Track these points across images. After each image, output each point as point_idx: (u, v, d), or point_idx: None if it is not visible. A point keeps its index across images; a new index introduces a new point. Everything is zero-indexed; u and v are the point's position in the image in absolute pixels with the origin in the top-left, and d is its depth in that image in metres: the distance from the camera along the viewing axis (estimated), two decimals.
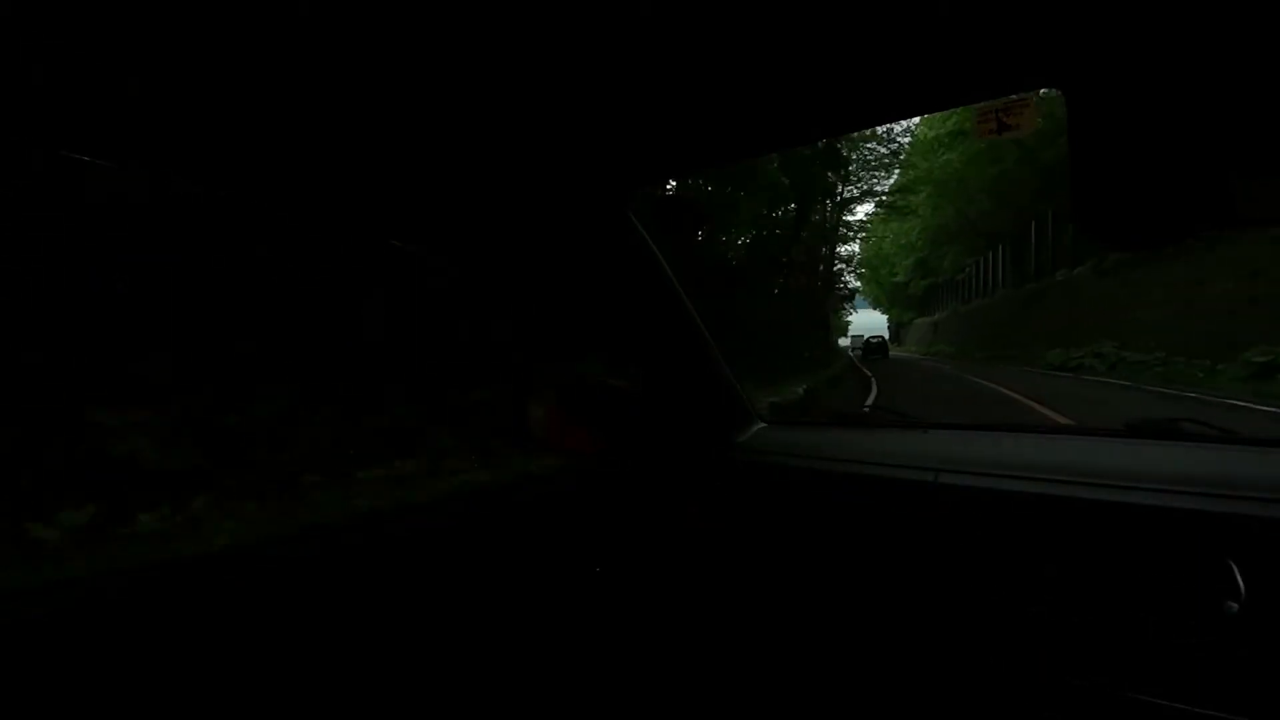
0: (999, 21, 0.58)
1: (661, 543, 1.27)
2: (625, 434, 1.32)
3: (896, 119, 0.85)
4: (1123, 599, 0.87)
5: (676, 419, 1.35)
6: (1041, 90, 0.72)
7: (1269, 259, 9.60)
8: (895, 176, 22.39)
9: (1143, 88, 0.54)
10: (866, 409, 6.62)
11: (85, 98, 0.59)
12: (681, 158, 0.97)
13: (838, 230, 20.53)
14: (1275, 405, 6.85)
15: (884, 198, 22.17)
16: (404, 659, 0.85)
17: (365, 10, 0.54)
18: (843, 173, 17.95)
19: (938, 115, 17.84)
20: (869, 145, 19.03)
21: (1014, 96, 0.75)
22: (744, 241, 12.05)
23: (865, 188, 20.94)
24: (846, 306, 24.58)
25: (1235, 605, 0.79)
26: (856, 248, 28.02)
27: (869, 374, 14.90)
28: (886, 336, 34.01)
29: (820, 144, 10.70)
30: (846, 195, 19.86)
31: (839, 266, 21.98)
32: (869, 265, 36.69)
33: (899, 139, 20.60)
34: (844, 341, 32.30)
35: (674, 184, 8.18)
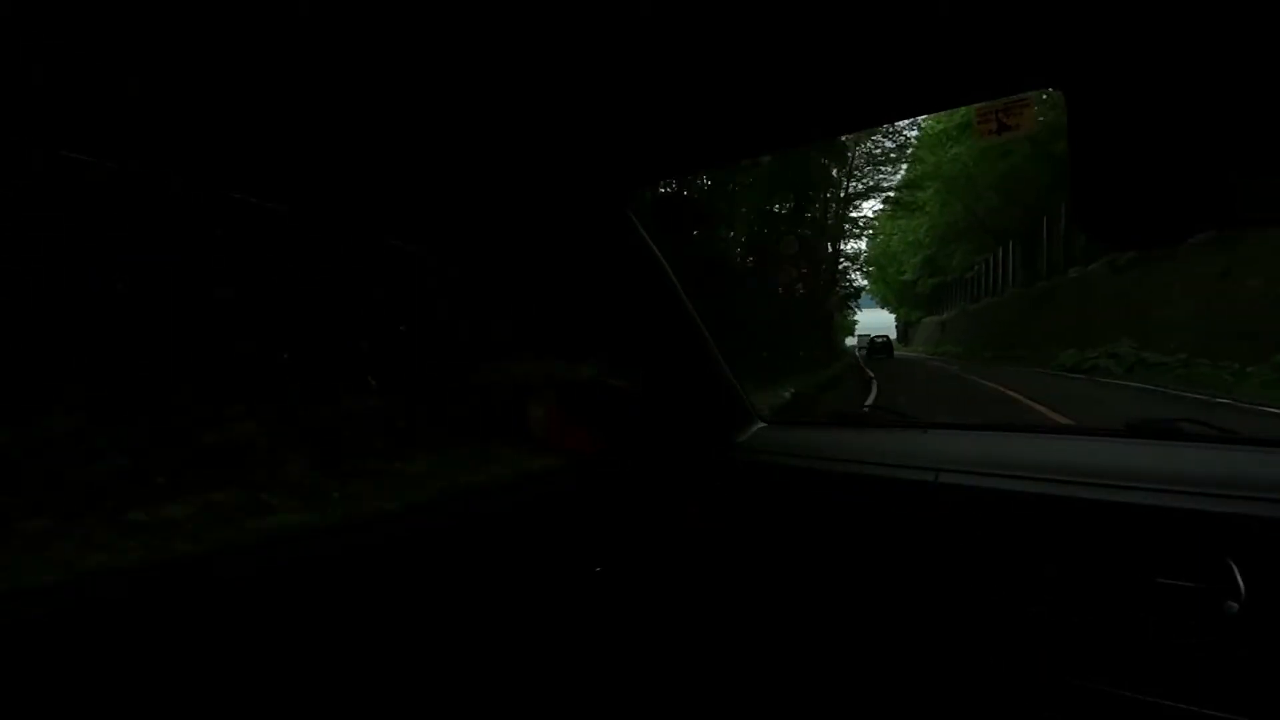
0: (999, 21, 0.58)
1: (661, 542, 1.27)
2: (625, 434, 1.32)
3: (896, 119, 0.85)
4: (1123, 599, 0.87)
5: (676, 419, 1.35)
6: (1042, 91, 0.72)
7: None
8: (903, 171, 22.14)
9: (1143, 88, 0.53)
10: (866, 409, 6.58)
11: (85, 98, 0.60)
12: (681, 158, 0.97)
13: (842, 226, 20.10)
14: None
15: (891, 194, 21.89)
16: (404, 659, 0.85)
17: (365, 10, 0.54)
18: (847, 168, 17.77)
19: None
20: (874, 139, 18.70)
21: (1014, 96, 0.74)
22: (732, 235, 11.63)
23: (871, 183, 20.56)
24: (852, 305, 24.32)
25: (1235, 605, 0.79)
26: (864, 245, 27.82)
27: (870, 375, 14.69)
28: (894, 336, 33.84)
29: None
30: (851, 191, 19.54)
31: (844, 264, 21.53)
32: (876, 263, 36.39)
33: (905, 133, 20.19)
34: (851, 341, 32.17)
35: (673, 184, 8.08)
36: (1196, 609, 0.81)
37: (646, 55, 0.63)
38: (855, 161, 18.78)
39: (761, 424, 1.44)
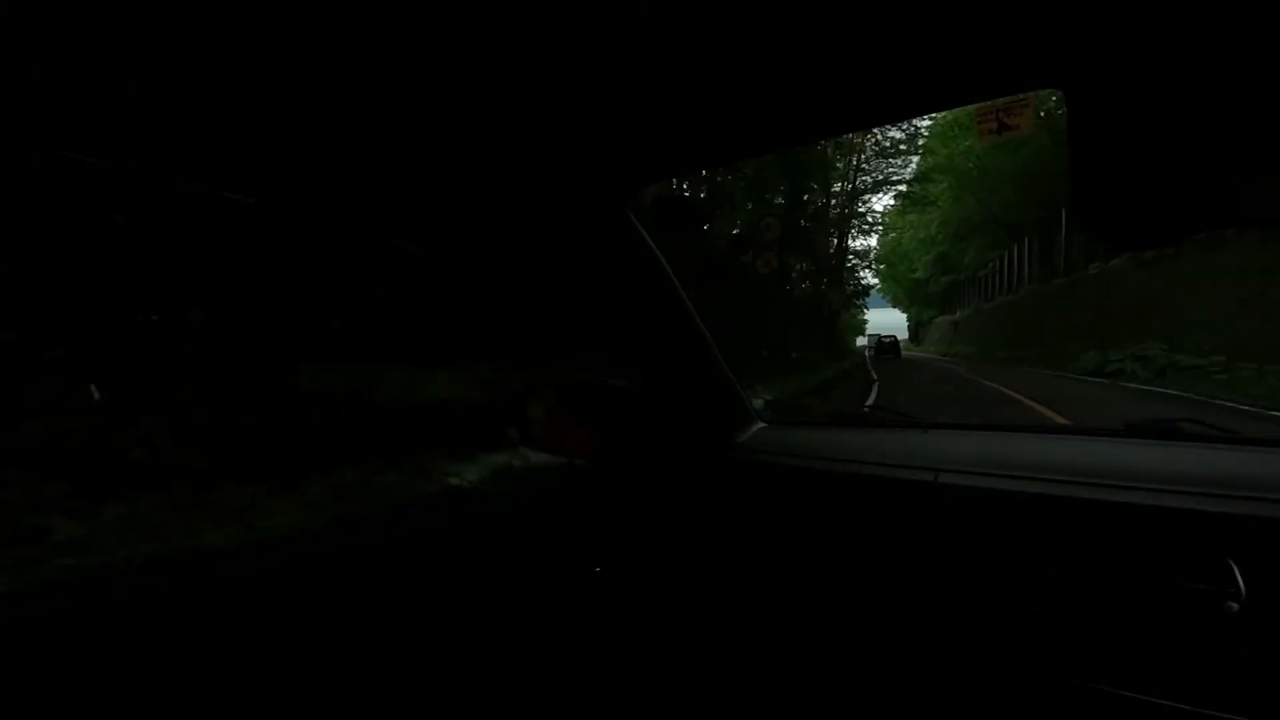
0: (999, 22, 0.58)
1: (661, 543, 1.27)
2: (625, 434, 1.32)
3: (897, 119, 0.85)
4: (1123, 599, 0.87)
5: (676, 419, 1.35)
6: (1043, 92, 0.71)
7: None
8: (914, 165, 21.44)
9: (1143, 88, 0.53)
10: (866, 409, 6.48)
11: (85, 97, 0.61)
12: (681, 158, 0.97)
13: (849, 221, 19.28)
14: None
15: (901, 188, 21.20)
16: (404, 659, 0.86)
17: (365, 9, 0.54)
18: (854, 160, 17.30)
19: None
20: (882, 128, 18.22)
21: (1014, 96, 0.74)
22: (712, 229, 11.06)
23: (880, 177, 19.84)
24: (861, 304, 23.98)
25: (1235, 605, 0.79)
26: (874, 242, 27.40)
27: (873, 378, 14.27)
28: (906, 336, 33.49)
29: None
30: (859, 185, 18.89)
31: (853, 261, 20.82)
32: (887, 261, 35.90)
33: (915, 122, 19.63)
34: (861, 341, 31.91)
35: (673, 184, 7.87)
36: (1197, 609, 0.81)
37: (647, 55, 0.63)
38: (864, 154, 18.15)
39: (761, 424, 1.44)
